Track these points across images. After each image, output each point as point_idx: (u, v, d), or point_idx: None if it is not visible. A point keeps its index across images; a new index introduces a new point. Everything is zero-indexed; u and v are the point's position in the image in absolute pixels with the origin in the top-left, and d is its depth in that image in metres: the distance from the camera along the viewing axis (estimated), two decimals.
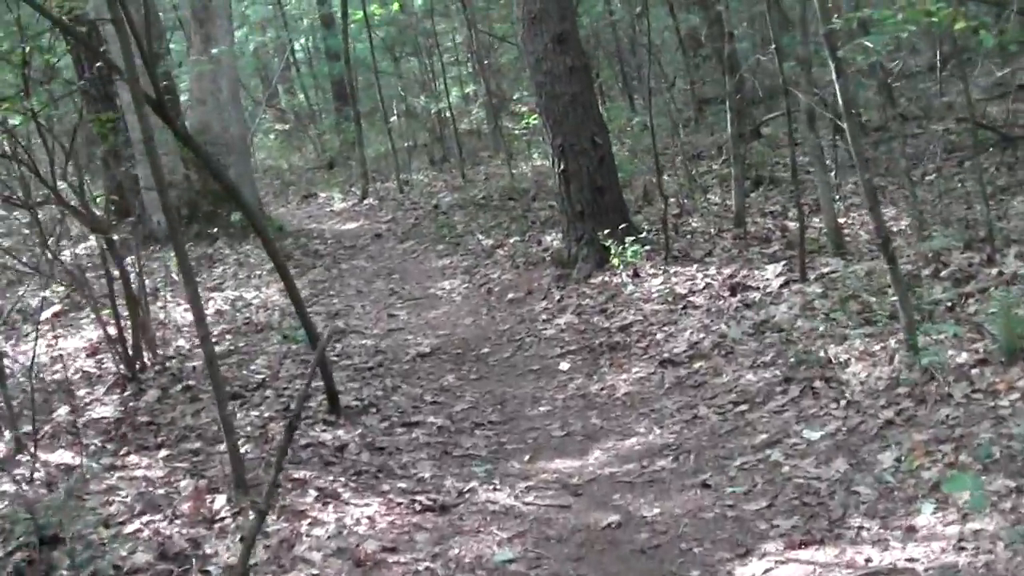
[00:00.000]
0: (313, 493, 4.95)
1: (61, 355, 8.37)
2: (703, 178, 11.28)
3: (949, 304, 5.79)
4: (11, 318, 9.89)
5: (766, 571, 3.78)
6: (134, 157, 11.68)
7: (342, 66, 17.74)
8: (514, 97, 17.85)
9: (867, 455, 4.45)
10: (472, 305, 8.84)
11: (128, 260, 8.04)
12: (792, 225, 8.42)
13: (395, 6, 17.80)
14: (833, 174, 9.40)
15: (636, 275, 8.01)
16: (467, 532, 4.49)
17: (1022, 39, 6.59)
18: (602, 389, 6.20)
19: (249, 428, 5.97)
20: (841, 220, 8.10)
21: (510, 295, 8.73)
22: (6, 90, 7.15)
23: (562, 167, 8.70)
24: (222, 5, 13.32)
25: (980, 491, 3.59)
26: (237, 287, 10.29)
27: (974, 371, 4.80)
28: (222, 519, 4.75)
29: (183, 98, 16.24)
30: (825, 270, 7.00)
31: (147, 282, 8.63)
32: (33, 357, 6.29)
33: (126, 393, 6.88)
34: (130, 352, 7.07)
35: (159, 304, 9.44)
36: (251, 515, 4.41)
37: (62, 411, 6.69)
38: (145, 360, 7.32)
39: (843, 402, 5.00)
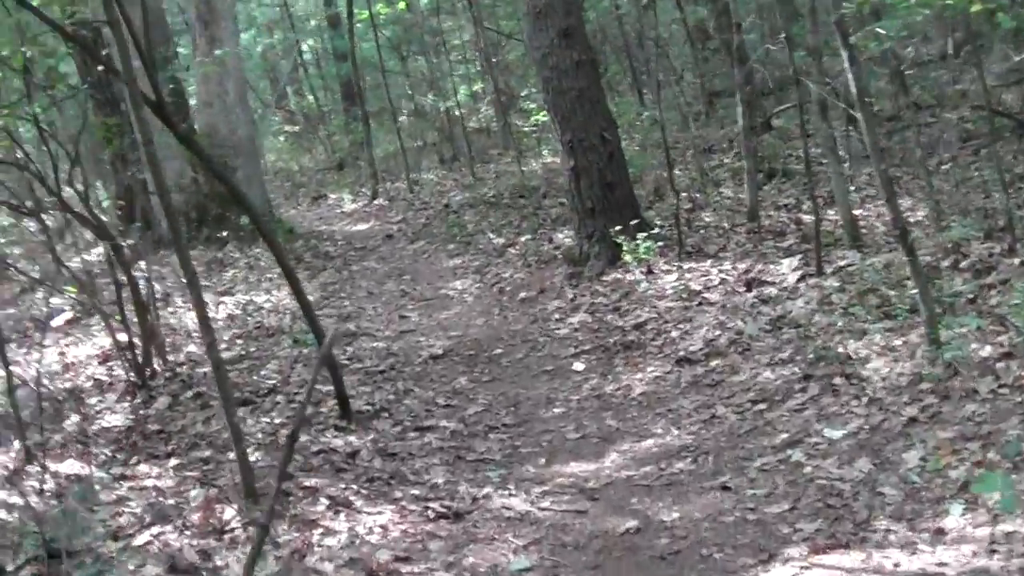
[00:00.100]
0: (324, 501, 4.86)
1: (73, 363, 8.34)
2: (715, 172, 11.15)
3: (970, 296, 5.66)
4: (24, 326, 9.86)
5: None
6: (141, 160, 11.62)
7: (350, 67, 17.66)
8: (522, 94, 17.75)
9: (891, 454, 4.33)
10: (484, 305, 8.74)
11: (141, 265, 7.99)
12: (807, 218, 8.30)
13: (401, 5, 17.69)
14: (847, 165, 9.26)
15: (649, 272, 7.89)
16: (482, 540, 4.40)
17: None
18: (617, 389, 6.10)
19: (260, 435, 5.89)
20: (856, 212, 7.97)
21: (522, 294, 8.62)
22: (10, 95, 7.05)
23: (571, 163, 8.59)
24: (227, 7, 13.25)
25: (1011, 491, 3.45)
26: (248, 291, 10.21)
27: (999, 365, 4.68)
28: (232, 530, 4.66)
29: (192, 102, 16.18)
30: (842, 263, 6.88)
31: (157, 287, 8.57)
32: (38, 366, 6.20)
33: (136, 401, 6.82)
34: (140, 359, 7.01)
35: (170, 309, 9.39)
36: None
37: (73, 420, 6.64)
38: (155, 367, 7.25)
39: (864, 399, 4.88)
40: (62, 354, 8.83)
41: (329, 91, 25.16)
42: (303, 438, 5.76)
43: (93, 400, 7.00)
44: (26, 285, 10.67)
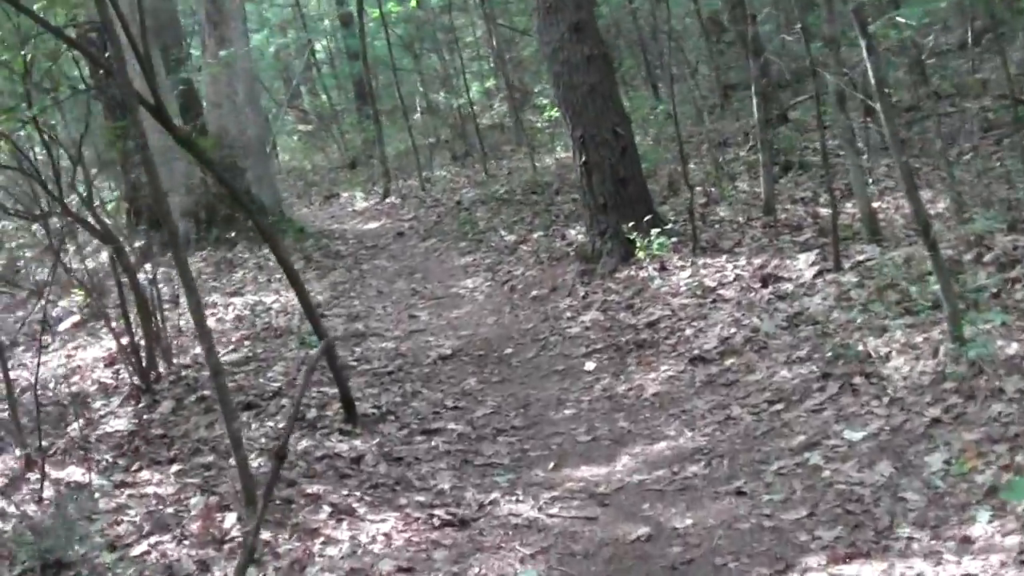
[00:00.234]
0: (327, 509, 4.72)
1: (79, 366, 8.25)
2: (730, 165, 10.95)
3: (994, 291, 5.46)
4: (33, 329, 9.78)
5: None
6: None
7: (361, 65, 17.55)
8: (535, 90, 17.59)
9: (914, 457, 4.14)
10: (495, 303, 8.58)
11: (147, 267, 7.88)
12: (824, 211, 8.11)
13: (412, 2, 17.54)
14: (865, 157, 9.05)
15: (663, 268, 7.72)
16: (488, 548, 4.24)
17: None
18: (629, 390, 5.92)
19: (263, 440, 5.75)
20: (875, 204, 7.76)
21: (533, 292, 8.46)
22: (11, 100, 6.93)
23: (583, 159, 8.43)
24: (235, 8, 13.15)
25: None
26: (257, 291, 10.10)
27: None
28: (232, 539, 4.53)
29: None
30: (860, 258, 6.68)
31: (164, 289, 8.47)
32: (37, 371, 6.11)
33: (140, 405, 6.71)
34: (144, 363, 6.89)
35: (178, 311, 9.27)
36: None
37: (76, 425, 6.54)
38: (160, 370, 7.14)
39: (885, 399, 4.69)
40: (69, 357, 8.76)
41: (342, 90, 25.07)
42: (307, 443, 5.64)
43: (97, 404, 6.90)
44: (33, 287, 10.62)
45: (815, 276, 6.61)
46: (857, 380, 4.99)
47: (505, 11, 18.31)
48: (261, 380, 6.96)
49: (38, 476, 5.45)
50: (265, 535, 4.52)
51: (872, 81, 5.13)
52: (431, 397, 6.33)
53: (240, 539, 4.50)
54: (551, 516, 4.48)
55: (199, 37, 16.52)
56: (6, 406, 6.17)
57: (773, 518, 4.03)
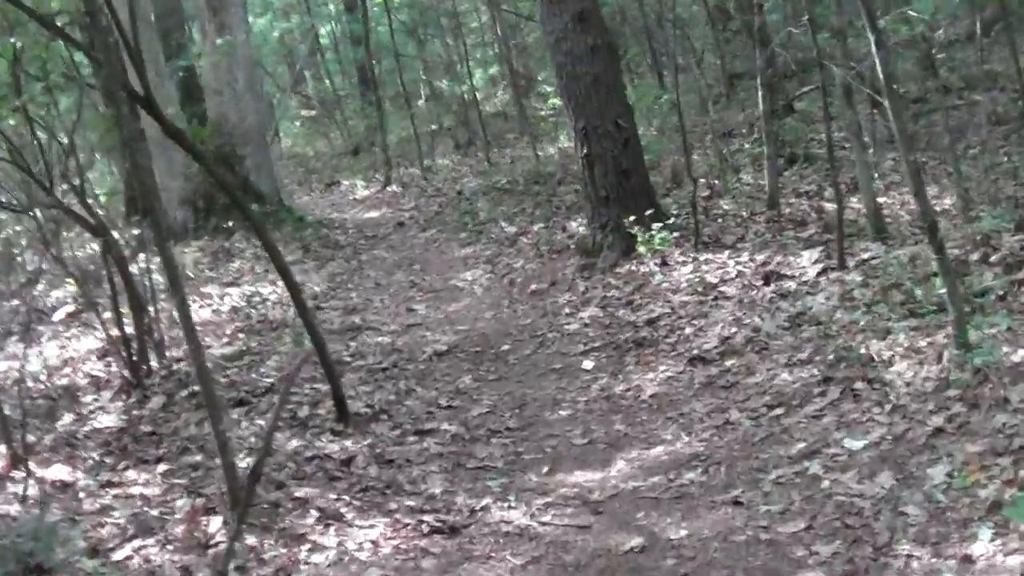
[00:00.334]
0: (315, 514, 4.62)
1: (72, 358, 8.14)
2: (735, 157, 10.81)
3: (1001, 293, 5.32)
4: (27, 318, 9.67)
5: None
6: (147, 149, 11.43)
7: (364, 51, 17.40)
8: (539, 77, 17.43)
9: (915, 469, 4.02)
10: (494, 297, 8.46)
11: (141, 256, 7.76)
12: (828, 206, 7.98)
13: None
14: (871, 151, 8.90)
15: (664, 263, 7.59)
16: (477, 557, 4.13)
17: None
18: (627, 390, 5.80)
19: (253, 439, 5.64)
20: (880, 199, 7.62)
21: (533, 286, 8.33)
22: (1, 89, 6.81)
23: (585, 151, 8.30)
24: None
25: None
26: (254, 282, 9.98)
27: None
28: (216, 544, 4.43)
29: None
30: (865, 256, 6.55)
31: (159, 280, 8.35)
32: (22, 367, 5.99)
33: (130, 400, 6.60)
34: (135, 357, 6.79)
35: (174, 302, 9.17)
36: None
37: (66, 420, 6.44)
38: (152, 364, 7.03)
39: (887, 406, 4.56)
40: (62, 348, 8.65)
41: (346, 75, 24.91)
42: (297, 443, 5.53)
43: (88, 398, 6.80)
44: (31, 275, 10.52)
45: (818, 274, 6.48)
46: (859, 385, 4.87)
47: None
48: (254, 375, 6.85)
49: (23, 474, 5.36)
50: (251, 540, 4.43)
51: (881, 76, 4.99)
52: (425, 395, 6.22)
53: (225, 544, 4.40)
54: (543, 524, 4.37)
55: (199, 22, 16.42)
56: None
57: (770, 530, 3.91)
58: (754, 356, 5.68)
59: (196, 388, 6.59)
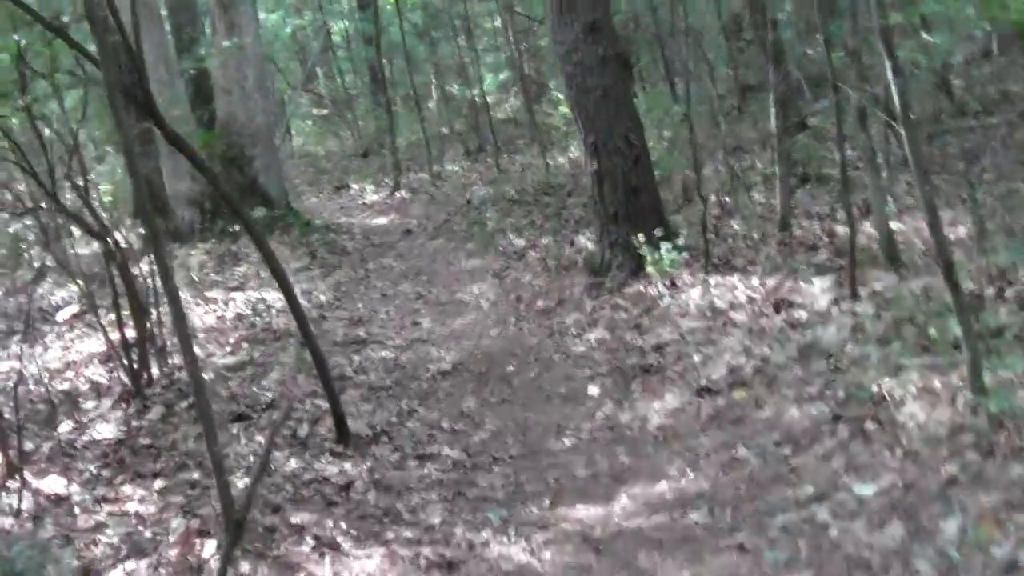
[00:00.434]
0: (311, 541, 4.55)
1: (75, 361, 8.07)
2: (746, 174, 10.68)
3: (1017, 332, 5.21)
4: (32, 317, 9.60)
5: None
6: (156, 149, 11.37)
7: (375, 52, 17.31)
8: (551, 84, 17.31)
9: (927, 520, 3.91)
10: (500, 313, 8.36)
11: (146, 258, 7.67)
12: (841, 229, 7.85)
13: None
14: (884, 174, 8.78)
15: (673, 285, 7.48)
16: None
17: None
18: (633, 419, 5.70)
19: (251, 457, 5.56)
20: (894, 225, 7.50)
21: (540, 303, 8.23)
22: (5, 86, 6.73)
23: (595, 166, 8.19)
24: None
25: None
26: (260, 287, 9.90)
27: None
28: (209, 569, 4.35)
29: None
30: (878, 286, 6.42)
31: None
32: (19, 375, 5.91)
33: (130, 410, 6.53)
34: (135, 364, 6.71)
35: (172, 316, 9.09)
36: None
37: (65, 427, 6.37)
38: (153, 373, 6.96)
39: (899, 451, 4.45)
40: (65, 349, 8.59)
41: (358, 74, 24.81)
42: (296, 464, 5.45)
43: (89, 404, 6.73)
44: (36, 273, 10.46)
45: (830, 304, 6.37)
46: (869, 425, 4.76)
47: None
48: (255, 389, 6.77)
49: (19, 484, 5.29)
50: (244, 567, 4.35)
51: (897, 105, 4.88)
52: (428, 417, 6.13)
53: (218, 569, 4.32)
54: (543, 561, 4.28)
55: (211, 17, 16.37)
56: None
57: None
58: (763, 388, 5.58)
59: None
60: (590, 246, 8.92)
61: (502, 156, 15.15)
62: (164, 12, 15.85)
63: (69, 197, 7.63)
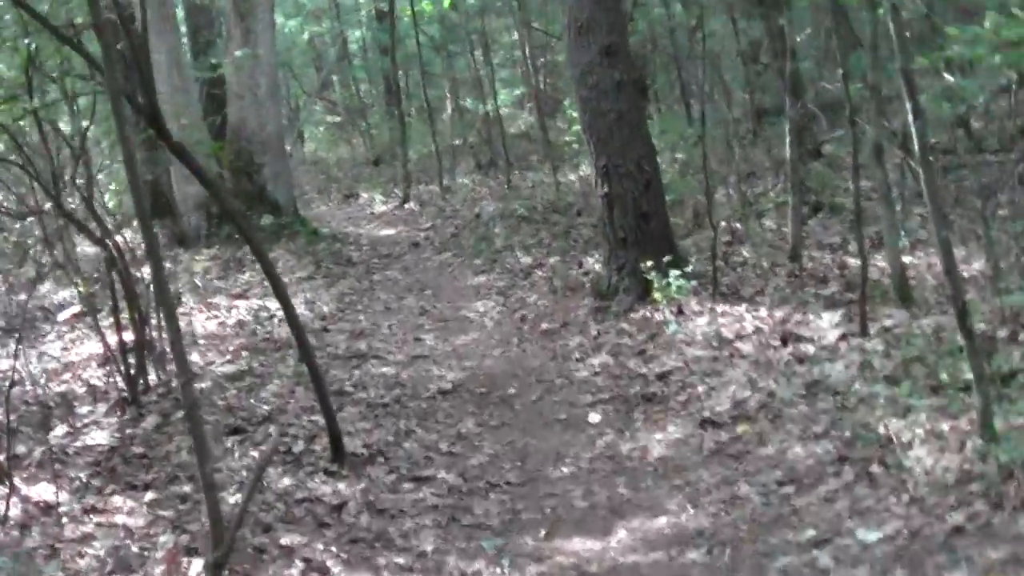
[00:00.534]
0: (300, 565, 4.44)
1: (74, 362, 8.00)
2: (758, 200, 10.60)
3: None
4: (34, 316, 9.55)
5: None
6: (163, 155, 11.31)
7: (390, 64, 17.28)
8: (565, 101, 17.26)
9: (932, 571, 3.80)
10: (503, 333, 8.27)
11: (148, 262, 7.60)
12: (852, 261, 7.76)
13: (446, 2, 17.24)
14: (899, 208, 8.69)
15: (680, 312, 7.39)
16: None
17: None
18: (633, 450, 5.59)
19: (244, 472, 5.46)
20: (906, 259, 7.40)
21: (544, 325, 8.14)
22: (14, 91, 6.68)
23: (605, 190, 8.12)
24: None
25: None
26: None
27: None
28: None
29: None
30: (888, 323, 6.33)
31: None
32: (11, 378, 5.83)
33: (124, 417, 6.45)
34: (132, 371, 6.63)
35: (180, 310, 9.01)
36: None
37: (58, 431, 6.29)
38: (151, 379, 6.88)
39: (905, 496, 4.34)
40: (65, 350, 8.53)
41: (373, 83, 24.82)
42: (288, 482, 5.36)
43: (84, 409, 6.66)
44: (38, 272, 10.40)
45: (839, 339, 6.27)
46: (875, 468, 4.65)
47: (542, 15, 17.92)
48: (253, 401, 6.69)
49: (7, 490, 5.21)
50: None
51: (917, 147, 4.79)
52: (425, 438, 6.03)
53: None
54: None
55: (226, 22, 16.39)
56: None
57: None
58: (767, 424, 5.47)
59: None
60: (597, 268, 8.84)
61: (513, 172, 15.08)
62: (181, 14, 15.86)
63: (73, 201, 7.59)
